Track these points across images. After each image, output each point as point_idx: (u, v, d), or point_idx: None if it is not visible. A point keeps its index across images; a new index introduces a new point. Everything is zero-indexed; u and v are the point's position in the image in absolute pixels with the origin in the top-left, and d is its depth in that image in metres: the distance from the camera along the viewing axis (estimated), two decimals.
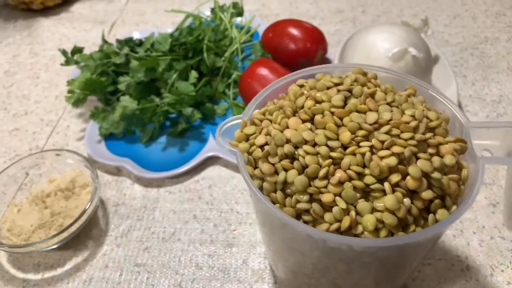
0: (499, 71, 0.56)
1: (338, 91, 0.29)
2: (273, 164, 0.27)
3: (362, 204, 0.24)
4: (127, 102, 0.47)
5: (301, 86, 0.32)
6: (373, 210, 0.24)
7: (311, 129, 0.27)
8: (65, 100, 0.50)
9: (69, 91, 0.50)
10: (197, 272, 0.39)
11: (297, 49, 0.53)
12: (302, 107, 0.29)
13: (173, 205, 0.45)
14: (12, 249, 0.39)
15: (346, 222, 0.24)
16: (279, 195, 0.26)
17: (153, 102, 0.48)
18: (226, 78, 0.55)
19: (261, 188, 0.27)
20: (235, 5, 0.61)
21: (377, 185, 0.25)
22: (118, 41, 0.55)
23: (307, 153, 0.26)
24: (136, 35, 0.64)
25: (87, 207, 0.41)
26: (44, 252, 0.42)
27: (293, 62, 0.53)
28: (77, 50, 0.54)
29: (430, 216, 0.25)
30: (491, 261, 0.38)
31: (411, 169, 0.25)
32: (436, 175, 0.25)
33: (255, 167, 0.28)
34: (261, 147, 0.28)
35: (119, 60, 0.51)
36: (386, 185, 0.25)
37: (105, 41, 0.55)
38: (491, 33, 0.63)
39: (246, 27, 0.58)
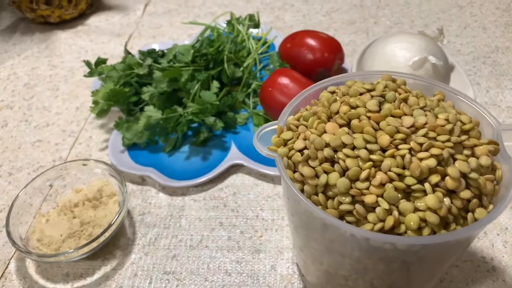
0: None
1: (372, 96, 0.30)
2: (313, 168, 0.27)
3: (404, 204, 0.25)
4: (152, 112, 0.48)
5: (333, 92, 0.33)
6: (415, 209, 0.25)
7: (348, 133, 0.28)
8: (90, 110, 0.51)
9: (94, 102, 0.51)
10: (226, 278, 0.40)
11: (315, 59, 0.54)
12: (337, 112, 0.30)
13: (198, 213, 0.46)
14: (41, 259, 0.39)
15: (390, 221, 0.25)
16: (321, 197, 0.27)
17: (176, 112, 0.49)
18: (245, 88, 0.56)
19: (301, 191, 0.28)
20: (251, 17, 0.63)
21: (418, 186, 0.25)
22: (141, 52, 0.56)
23: (347, 156, 0.27)
24: (155, 47, 0.65)
25: (116, 217, 0.41)
26: (73, 262, 0.42)
27: (311, 72, 0.55)
28: (101, 62, 0.55)
29: (469, 215, 0.26)
30: None
31: (450, 170, 0.25)
32: (473, 175, 0.26)
33: (294, 171, 0.29)
34: (300, 151, 0.29)
35: (143, 71, 0.52)
36: (427, 185, 0.25)
37: (128, 52, 0.56)
38: (501, 43, 0.64)
39: (263, 39, 0.60)
